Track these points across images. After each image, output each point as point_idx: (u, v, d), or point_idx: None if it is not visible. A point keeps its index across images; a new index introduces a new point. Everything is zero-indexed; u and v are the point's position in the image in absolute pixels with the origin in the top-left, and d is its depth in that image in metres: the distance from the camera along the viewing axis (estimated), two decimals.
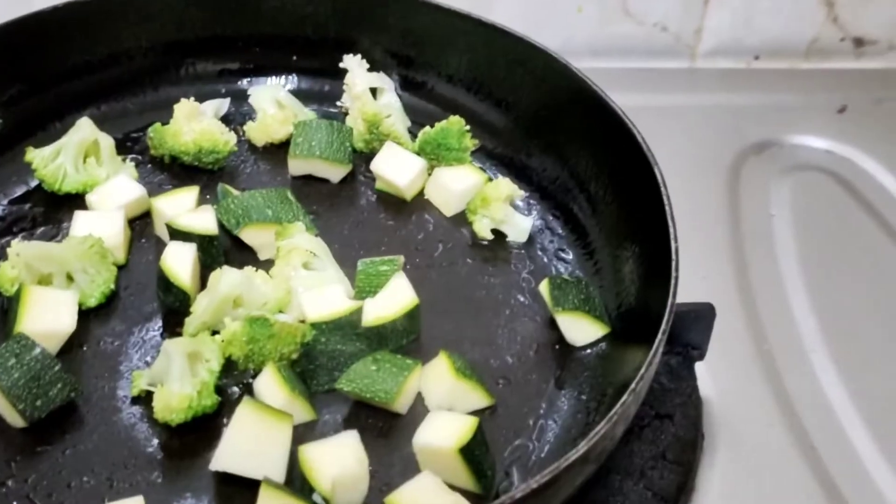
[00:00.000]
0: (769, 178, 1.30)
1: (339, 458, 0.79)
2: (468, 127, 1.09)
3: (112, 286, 0.96)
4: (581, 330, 0.93)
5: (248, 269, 0.93)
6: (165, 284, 0.93)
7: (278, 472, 0.80)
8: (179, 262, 0.93)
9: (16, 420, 0.84)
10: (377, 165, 1.08)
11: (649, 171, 0.91)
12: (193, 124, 1.09)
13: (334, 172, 1.09)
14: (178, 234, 0.96)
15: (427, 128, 1.10)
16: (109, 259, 0.96)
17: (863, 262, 1.19)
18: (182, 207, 1.00)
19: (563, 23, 1.47)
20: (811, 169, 1.32)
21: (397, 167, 1.07)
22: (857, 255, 1.20)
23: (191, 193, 1.03)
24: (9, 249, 0.93)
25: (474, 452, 0.80)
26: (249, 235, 1.00)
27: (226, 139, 1.10)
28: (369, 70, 1.15)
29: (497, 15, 1.43)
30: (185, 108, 1.10)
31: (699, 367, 0.98)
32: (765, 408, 1.02)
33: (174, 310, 0.94)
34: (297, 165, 1.09)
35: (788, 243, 1.20)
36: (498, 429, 0.87)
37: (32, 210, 1.05)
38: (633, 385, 0.75)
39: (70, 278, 0.94)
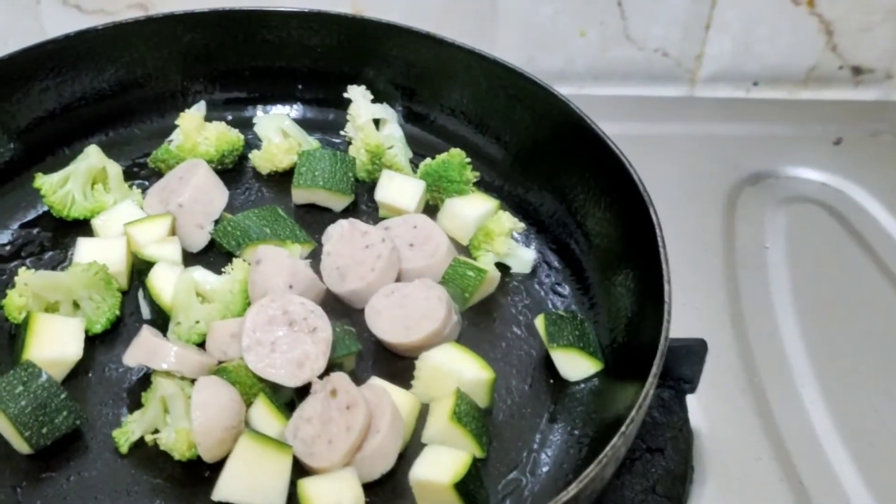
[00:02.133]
0: (764, 209, 1.32)
1: (337, 495, 0.82)
2: (468, 159, 1.11)
3: (117, 312, 0.98)
4: (575, 366, 0.95)
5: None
6: (150, 301, 0.96)
7: (278, 503, 0.83)
8: (164, 282, 0.96)
9: (22, 447, 0.86)
10: (381, 195, 1.10)
11: (645, 210, 0.93)
12: (205, 133, 1.13)
13: (337, 202, 1.11)
14: (143, 264, 0.99)
15: (428, 159, 1.12)
16: (114, 285, 0.98)
17: (855, 297, 1.21)
18: (153, 236, 1.02)
19: (565, 47, 1.49)
20: (806, 201, 1.34)
21: (400, 193, 1.10)
22: (850, 290, 1.22)
23: (164, 221, 1.04)
24: (17, 278, 0.95)
25: (468, 487, 0.82)
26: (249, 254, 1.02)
27: (237, 135, 1.15)
28: (373, 101, 1.17)
29: (500, 39, 1.47)
30: (190, 122, 1.13)
31: (690, 400, 1.00)
32: (754, 441, 1.04)
33: (159, 325, 0.96)
34: (301, 195, 1.11)
35: (782, 276, 1.22)
36: (492, 462, 0.90)
37: (41, 235, 1.07)
38: (622, 428, 0.77)
39: (76, 305, 0.96)
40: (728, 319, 1.16)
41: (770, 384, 1.09)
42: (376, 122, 1.16)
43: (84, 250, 1.01)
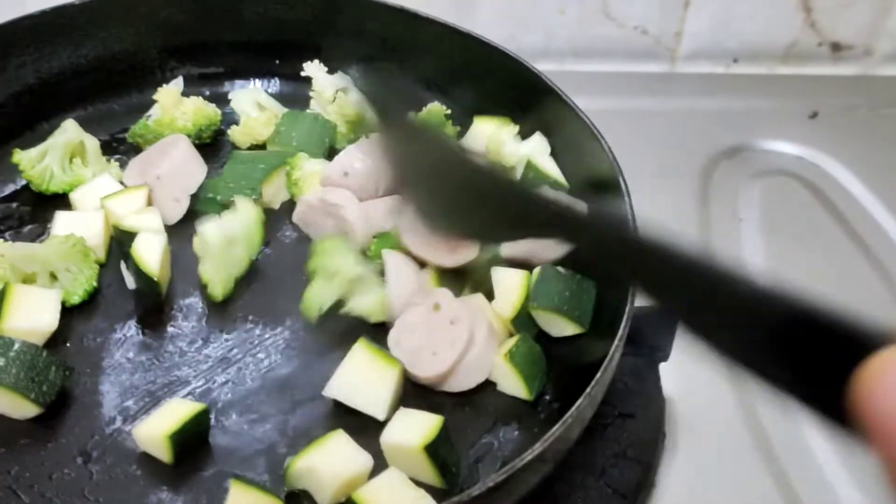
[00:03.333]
0: (739, 182, 1.33)
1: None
2: None
3: (95, 283, 0.99)
4: (556, 327, 0.97)
5: None
6: (136, 270, 0.97)
7: (382, 410, 0.88)
8: (149, 250, 0.97)
9: (27, 410, 0.87)
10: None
11: (614, 178, 0.94)
12: (182, 108, 1.14)
13: None
14: (124, 235, 0.99)
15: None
16: (92, 257, 0.99)
17: (828, 268, 1.22)
18: (131, 207, 1.03)
19: (544, 24, 1.50)
20: (781, 174, 1.35)
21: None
22: (823, 261, 1.23)
23: (141, 193, 1.04)
24: None
25: (438, 450, 0.84)
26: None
27: (214, 110, 1.16)
28: (328, 72, 1.17)
29: (480, 16, 1.47)
30: (168, 97, 1.14)
31: (664, 368, 1.01)
32: (727, 408, 1.06)
33: (145, 294, 0.97)
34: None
35: (755, 247, 1.23)
36: (465, 427, 0.91)
37: (20, 209, 1.08)
38: (588, 389, 0.78)
39: (54, 277, 0.97)
40: None
41: None
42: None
43: (62, 223, 1.02)
